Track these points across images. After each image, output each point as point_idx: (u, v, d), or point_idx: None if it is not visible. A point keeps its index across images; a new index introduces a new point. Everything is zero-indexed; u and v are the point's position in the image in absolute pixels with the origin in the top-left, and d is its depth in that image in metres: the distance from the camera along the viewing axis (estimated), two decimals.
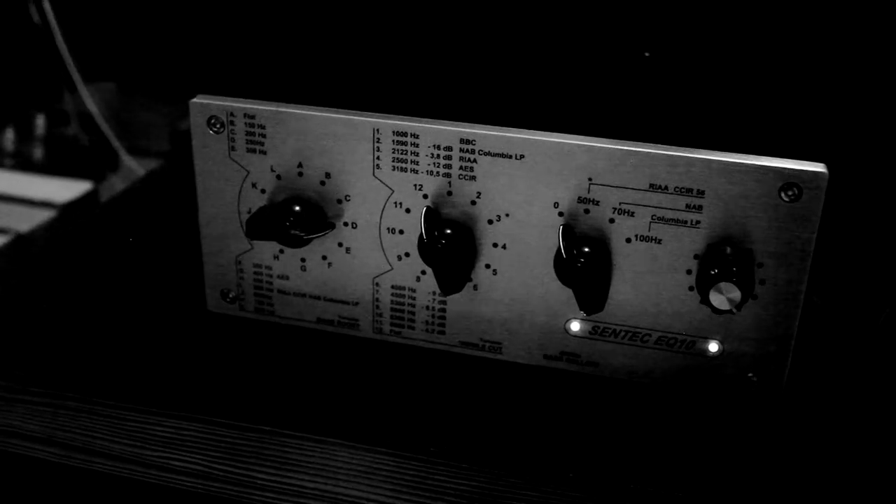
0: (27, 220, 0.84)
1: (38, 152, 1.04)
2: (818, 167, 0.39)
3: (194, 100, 0.44)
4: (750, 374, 0.42)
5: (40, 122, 1.05)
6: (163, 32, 0.95)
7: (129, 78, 1.05)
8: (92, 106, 1.00)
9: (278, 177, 0.44)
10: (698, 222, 0.40)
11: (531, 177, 0.41)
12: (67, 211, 0.87)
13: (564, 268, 0.41)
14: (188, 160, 0.45)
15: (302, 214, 0.44)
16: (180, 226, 0.57)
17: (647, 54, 0.53)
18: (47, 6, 0.97)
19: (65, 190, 0.90)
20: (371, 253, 0.45)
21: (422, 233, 0.42)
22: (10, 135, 1.04)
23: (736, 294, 0.39)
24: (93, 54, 1.01)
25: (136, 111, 1.05)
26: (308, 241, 0.44)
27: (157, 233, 0.59)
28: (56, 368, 0.45)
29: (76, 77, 1.00)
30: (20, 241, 0.79)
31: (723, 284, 0.39)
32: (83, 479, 0.48)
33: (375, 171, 0.43)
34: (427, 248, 0.42)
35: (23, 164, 1.02)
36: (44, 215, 0.85)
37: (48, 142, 1.04)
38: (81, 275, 0.54)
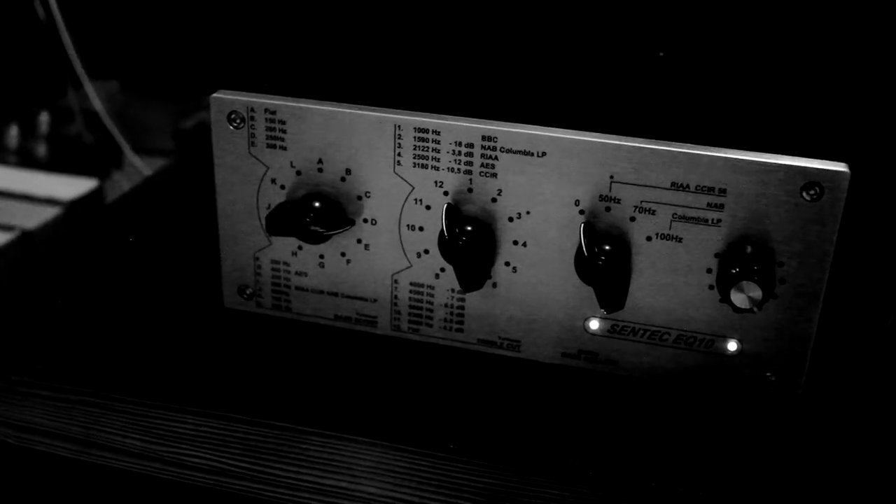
0: (33, 218, 0.84)
1: (41, 150, 1.04)
2: (840, 166, 0.39)
3: (215, 94, 0.44)
4: (768, 374, 0.43)
5: (44, 119, 1.05)
6: (170, 30, 0.95)
7: (134, 76, 1.04)
8: (97, 103, 1.00)
9: (298, 173, 0.44)
10: (719, 221, 0.40)
11: (552, 174, 0.41)
12: (73, 208, 0.87)
13: (585, 266, 0.41)
14: (193, 158, 0.45)
15: (321, 211, 0.44)
16: (193, 223, 0.56)
17: (661, 54, 0.53)
18: (53, 3, 0.97)
19: (70, 187, 0.90)
20: (390, 250, 0.45)
21: (442, 229, 0.42)
22: (13, 132, 1.04)
23: (757, 293, 0.39)
24: (98, 52, 1.01)
25: (139, 109, 1.05)
26: (327, 238, 0.44)
27: (170, 230, 0.59)
28: (71, 364, 0.45)
29: (81, 74, 0.99)
30: (26, 237, 0.79)
31: (744, 283, 0.39)
32: (98, 476, 0.48)
33: (396, 168, 0.43)
34: (447, 245, 0.42)
35: (26, 161, 1.02)
36: (49, 213, 0.85)
37: (52, 139, 1.04)
38: (94, 271, 0.53)
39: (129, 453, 0.45)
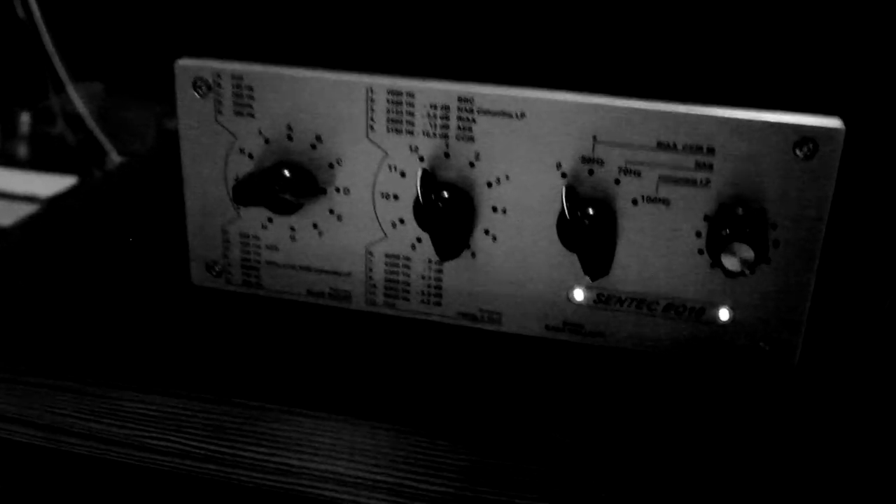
0: (11, 215, 0.82)
1: (22, 150, 1.03)
2: (834, 122, 0.37)
3: (179, 62, 0.43)
4: (762, 343, 0.41)
5: (25, 119, 1.04)
6: (155, 28, 0.94)
7: (118, 77, 1.03)
8: (80, 106, 0.99)
9: (267, 141, 0.42)
10: (708, 182, 0.38)
11: (532, 137, 0.39)
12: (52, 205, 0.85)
13: (568, 230, 0.39)
14: (171, 149, 0.44)
15: (291, 180, 0.42)
16: (165, 205, 0.55)
17: (643, 8, 0.51)
18: (33, 4, 0.96)
19: (49, 184, 0.88)
20: (364, 220, 0.43)
21: (418, 196, 0.40)
22: None
23: (749, 254, 0.37)
24: (80, 53, 0.99)
25: (123, 110, 1.04)
26: (298, 207, 0.42)
27: (141, 212, 0.57)
28: (31, 348, 0.43)
29: (63, 75, 0.98)
30: (2, 234, 0.77)
31: (735, 245, 0.37)
32: (56, 461, 0.46)
33: (369, 134, 0.41)
34: (423, 212, 0.40)
35: (7, 161, 1.01)
36: (28, 210, 0.84)
37: (33, 140, 1.03)
38: (59, 253, 0.52)
39: (92, 437, 0.43)
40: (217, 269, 0.45)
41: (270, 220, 0.44)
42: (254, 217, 0.44)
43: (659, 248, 0.40)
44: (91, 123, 0.99)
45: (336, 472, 0.40)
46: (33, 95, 1.04)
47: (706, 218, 0.39)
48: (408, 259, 0.43)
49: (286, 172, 0.42)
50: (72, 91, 0.98)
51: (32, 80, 1.01)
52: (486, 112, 0.40)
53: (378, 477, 0.40)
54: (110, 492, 0.49)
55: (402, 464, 0.40)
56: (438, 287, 0.43)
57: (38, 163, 1.02)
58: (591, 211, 0.39)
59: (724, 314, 0.40)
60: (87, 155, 1.02)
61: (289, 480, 0.41)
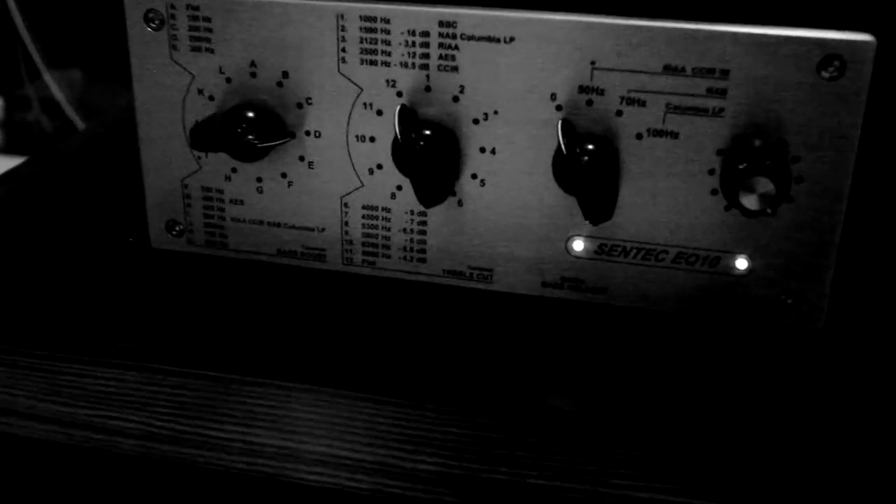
0: None
1: None
2: (864, 37, 0.33)
3: None
4: (784, 297, 0.37)
5: None
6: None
7: (97, 63, 1.01)
8: (55, 90, 0.96)
9: (228, 80, 0.38)
10: (721, 110, 0.35)
11: (523, 64, 0.36)
12: None
13: (565, 169, 0.36)
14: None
15: (256, 122, 0.38)
16: (123, 172, 0.51)
17: None
18: None
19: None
20: (338, 167, 0.39)
21: (396, 136, 0.36)
22: None
23: (769, 187, 0.33)
24: (54, 37, 0.97)
25: (100, 96, 1.02)
26: (263, 153, 0.38)
27: (98, 181, 0.53)
28: None
29: (38, 60, 0.96)
30: None
31: (753, 179, 0.33)
32: (5, 446, 0.42)
33: (341, 67, 0.37)
34: (402, 152, 0.36)
35: None
36: None
37: (8, 126, 1.02)
38: (7, 224, 0.48)
39: (41, 418, 0.39)
40: (178, 228, 0.41)
41: (235, 170, 0.40)
42: (216, 168, 0.40)
43: (667, 189, 0.36)
44: (67, 109, 0.97)
45: (314, 452, 0.36)
46: (8, 81, 1.01)
47: (720, 152, 0.35)
48: (387, 210, 0.39)
49: (249, 114, 0.38)
50: (47, 76, 0.96)
51: (6, 66, 0.99)
52: (471, 37, 0.36)
53: (358, 455, 0.36)
54: (62, 478, 0.44)
55: (386, 440, 0.36)
56: (422, 242, 0.39)
57: (14, 149, 1.00)
58: (590, 147, 0.35)
59: (741, 263, 0.37)
60: (64, 140, 0.99)
61: (263, 462, 0.37)
